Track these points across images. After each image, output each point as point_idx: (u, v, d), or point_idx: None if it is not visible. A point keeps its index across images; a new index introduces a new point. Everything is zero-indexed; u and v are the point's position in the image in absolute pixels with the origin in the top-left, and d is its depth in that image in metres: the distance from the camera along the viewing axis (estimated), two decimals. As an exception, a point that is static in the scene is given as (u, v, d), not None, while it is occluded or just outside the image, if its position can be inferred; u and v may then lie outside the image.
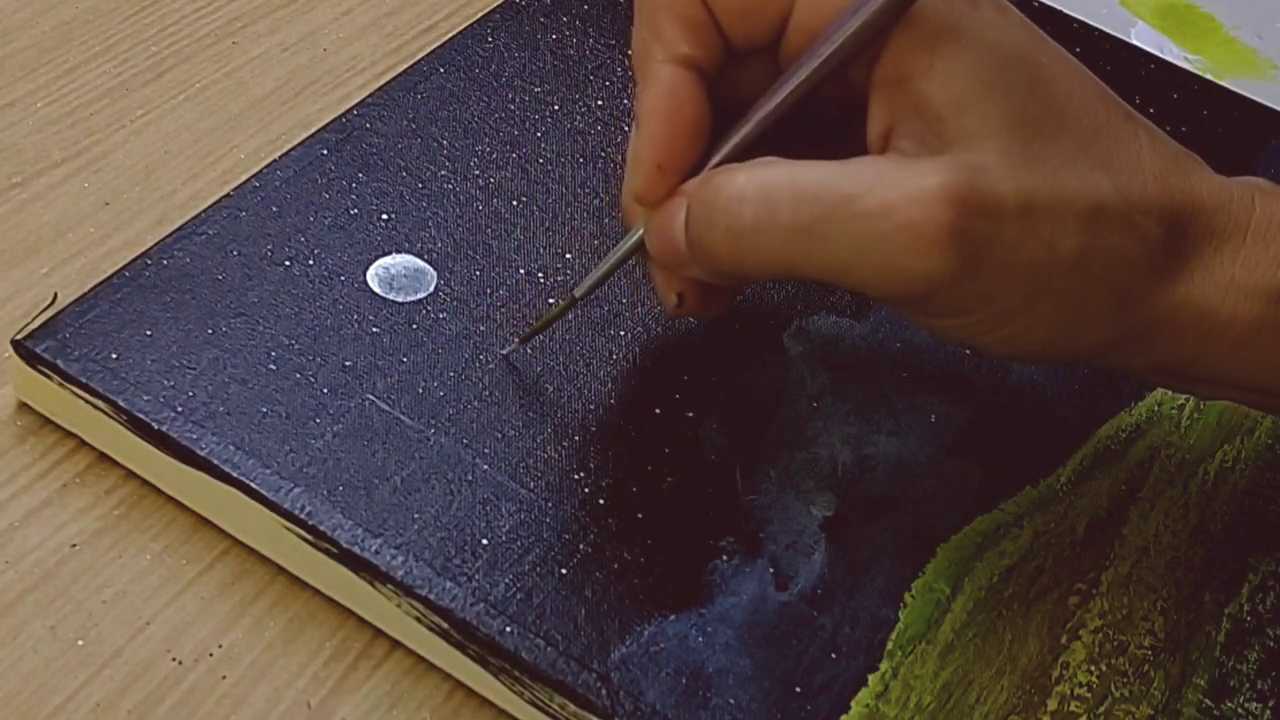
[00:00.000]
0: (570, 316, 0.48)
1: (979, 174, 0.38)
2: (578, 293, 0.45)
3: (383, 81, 0.54)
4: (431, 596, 0.41)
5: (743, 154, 0.41)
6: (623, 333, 0.48)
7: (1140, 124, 0.41)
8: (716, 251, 0.40)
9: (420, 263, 0.48)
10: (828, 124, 0.42)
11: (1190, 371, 0.42)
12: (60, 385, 0.44)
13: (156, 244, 0.47)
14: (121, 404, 0.43)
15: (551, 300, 0.48)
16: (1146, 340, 0.41)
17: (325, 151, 0.51)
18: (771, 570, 0.43)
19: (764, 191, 0.39)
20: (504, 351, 0.46)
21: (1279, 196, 0.42)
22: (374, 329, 0.46)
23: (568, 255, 0.50)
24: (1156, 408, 0.49)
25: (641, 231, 0.43)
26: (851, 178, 0.38)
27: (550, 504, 0.43)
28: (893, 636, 0.43)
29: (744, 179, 0.40)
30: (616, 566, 0.42)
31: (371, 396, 0.45)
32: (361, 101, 0.53)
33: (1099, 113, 0.40)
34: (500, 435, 0.45)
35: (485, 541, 0.42)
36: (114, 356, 0.44)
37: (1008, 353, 0.42)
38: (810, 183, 0.39)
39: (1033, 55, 0.40)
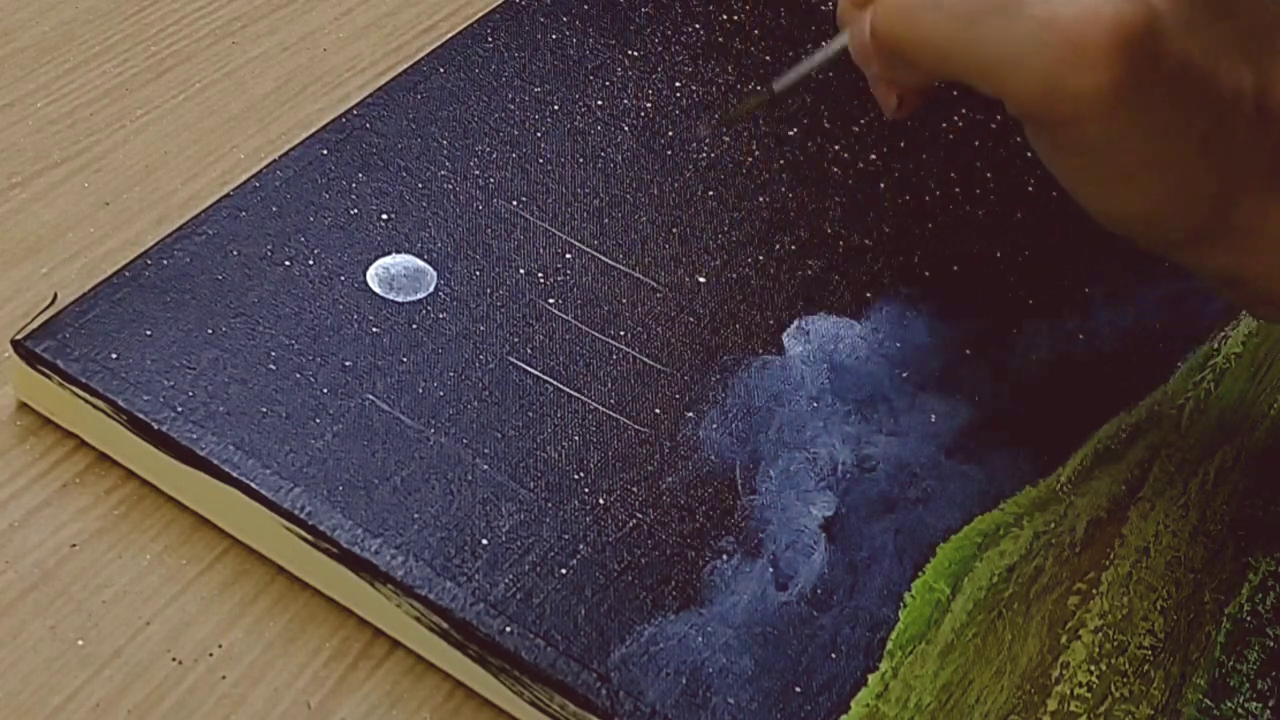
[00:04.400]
0: (569, 317, 0.48)
1: (1155, 19, 0.38)
2: (776, 87, 0.47)
3: (383, 81, 0.54)
4: (431, 596, 0.41)
5: None
6: (623, 332, 0.48)
7: None
8: (888, 28, 0.41)
9: (420, 263, 0.48)
10: None
11: (1262, 285, 0.43)
12: (60, 385, 0.44)
13: (156, 244, 0.47)
14: (121, 404, 0.43)
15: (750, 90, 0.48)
16: (1231, 241, 0.42)
17: (325, 151, 0.51)
18: (771, 570, 0.43)
19: None
20: (716, 119, 0.48)
21: None
22: (374, 329, 0.46)
23: (568, 255, 0.50)
24: (1156, 408, 0.49)
25: (845, 37, 0.44)
26: None
27: (550, 504, 0.43)
28: (893, 636, 0.43)
29: None
30: (616, 566, 0.42)
31: (371, 396, 0.45)
32: (361, 101, 0.53)
33: (1274, 14, 0.41)
34: (500, 435, 0.45)
35: (485, 541, 0.42)
36: (114, 356, 0.44)
37: (1108, 211, 0.43)
38: None
39: None
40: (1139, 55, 0.38)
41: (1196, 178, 0.41)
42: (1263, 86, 0.40)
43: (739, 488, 0.45)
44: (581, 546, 0.43)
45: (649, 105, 0.55)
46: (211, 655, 0.41)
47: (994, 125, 0.57)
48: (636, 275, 0.49)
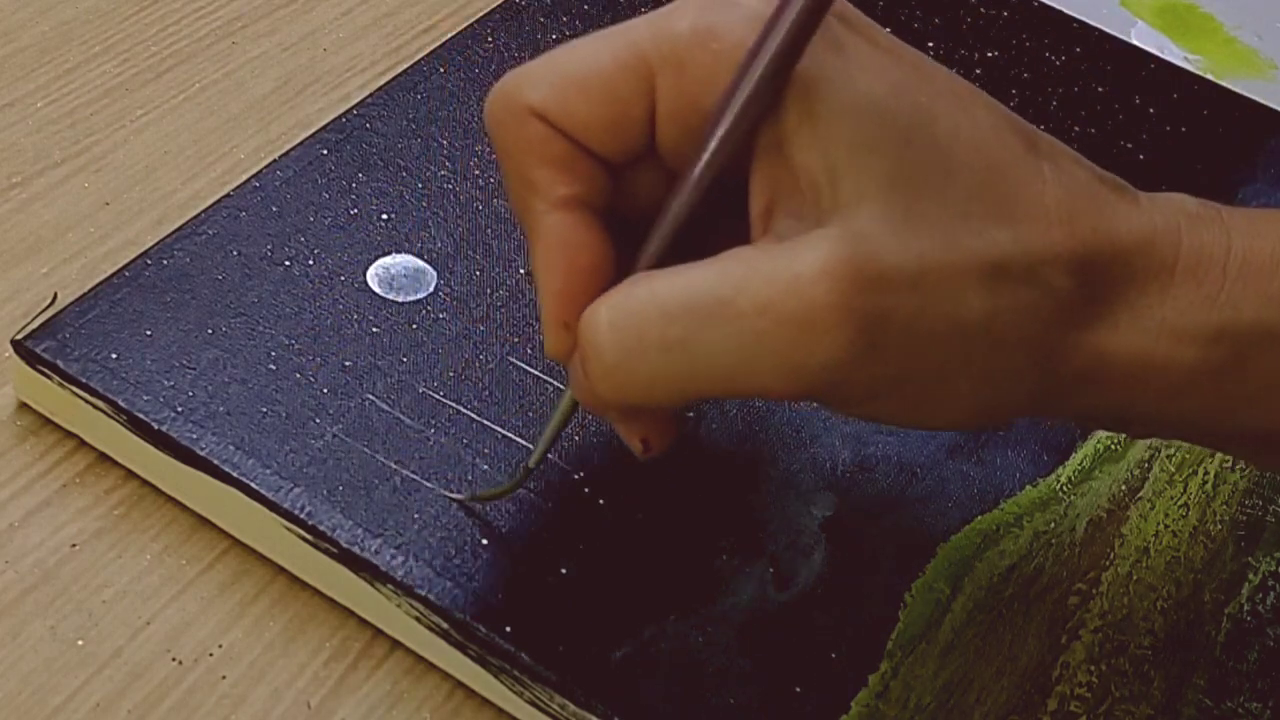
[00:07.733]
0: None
1: (861, 243, 0.34)
2: (530, 464, 0.42)
3: (383, 81, 0.54)
4: (431, 596, 0.41)
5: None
6: (623, 333, 0.48)
7: (1045, 155, 0.37)
8: (600, 392, 0.37)
9: (420, 263, 0.48)
10: (728, 206, 0.38)
11: (1124, 416, 0.39)
12: (60, 385, 0.44)
13: (156, 244, 0.47)
14: (121, 404, 0.43)
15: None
16: (1074, 391, 0.38)
17: (325, 151, 0.51)
18: (771, 570, 0.43)
19: (624, 317, 0.36)
20: (460, 497, 0.43)
21: (1209, 222, 0.38)
22: (374, 329, 0.46)
23: (568, 255, 0.49)
24: (1156, 408, 0.49)
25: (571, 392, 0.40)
26: (720, 278, 0.35)
27: (550, 504, 0.43)
28: (893, 636, 0.43)
29: (603, 310, 0.36)
30: (616, 566, 0.42)
31: (371, 396, 0.45)
32: (361, 101, 0.53)
33: (993, 151, 0.36)
34: (500, 435, 0.45)
35: (485, 541, 0.42)
36: (114, 356, 0.44)
37: (933, 427, 0.39)
38: (675, 294, 0.35)
39: (910, 96, 0.36)
40: (867, 291, 0.34)
41: (995, 357, 0.36)
42: (1021, 236, 0.36)
43: (739, 488, 0.45)
44: (581, 546, 0.43)
45: (649, 105, 0.55)
46: (211, 655, 0.41)
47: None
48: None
